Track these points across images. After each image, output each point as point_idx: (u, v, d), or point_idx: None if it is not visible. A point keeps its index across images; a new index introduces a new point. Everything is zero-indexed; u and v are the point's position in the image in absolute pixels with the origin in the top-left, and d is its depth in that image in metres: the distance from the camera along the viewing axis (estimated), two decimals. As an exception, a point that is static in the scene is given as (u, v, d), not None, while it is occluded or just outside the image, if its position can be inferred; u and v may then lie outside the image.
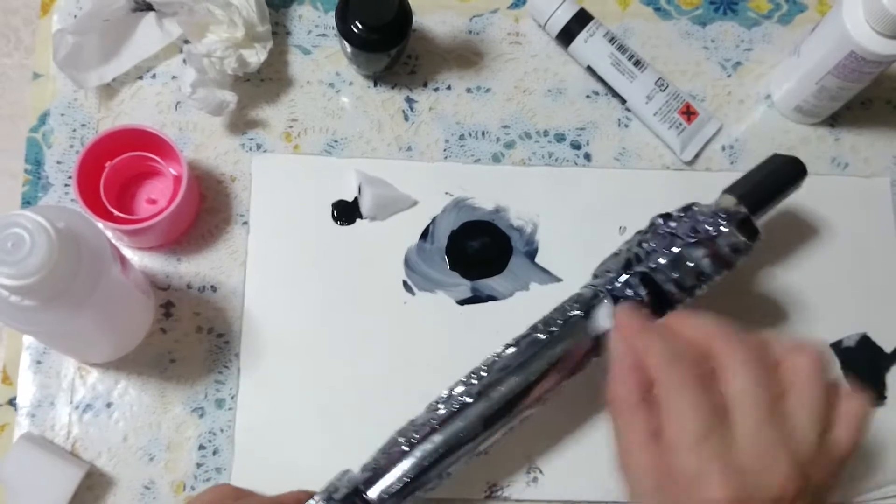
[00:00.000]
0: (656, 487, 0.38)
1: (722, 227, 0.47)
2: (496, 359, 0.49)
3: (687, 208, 0.50)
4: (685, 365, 0.38)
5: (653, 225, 0.50)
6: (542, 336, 0.49)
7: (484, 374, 0.48)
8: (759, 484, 0.36)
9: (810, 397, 0.37)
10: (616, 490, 0.53)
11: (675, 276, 0.47)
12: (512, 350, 0.49)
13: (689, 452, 0.36)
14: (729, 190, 0.52)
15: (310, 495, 0.48)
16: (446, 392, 0.48)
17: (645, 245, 0.49)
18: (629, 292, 0.48)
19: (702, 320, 0.40)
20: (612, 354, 0.42)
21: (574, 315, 0.49)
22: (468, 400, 0.48)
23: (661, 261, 0.48)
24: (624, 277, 0.48)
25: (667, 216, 0.50)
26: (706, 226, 0.48)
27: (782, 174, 0.53)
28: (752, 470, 0.36)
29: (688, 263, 0.47)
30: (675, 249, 0.48)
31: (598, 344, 0.49)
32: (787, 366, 0.38)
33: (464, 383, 0.48)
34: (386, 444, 0.48)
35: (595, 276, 0.51)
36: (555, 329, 0.49)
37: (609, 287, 0.49)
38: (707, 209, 0.49)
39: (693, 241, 0.48)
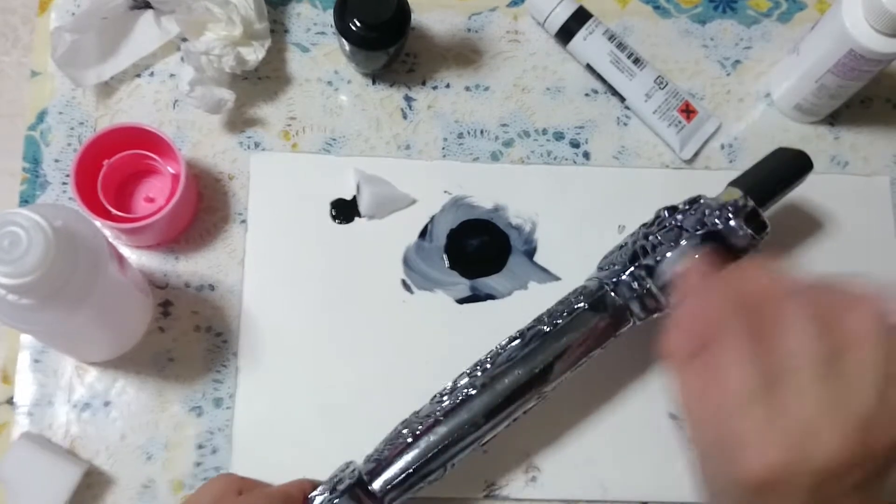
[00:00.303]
0: (713, 441, 0.36)
1: (730, 221, 0.47)
2: (500, 351, 0.49)
3: (693, 201, 0.50)
4: (741, 322, 0.36)
5: (658, 218, 0.50)
6: (546, 328, 0.49)
7: (488, 365, 0.48)
8: (811, 449, 0.33)
9: (871, 356, 0.34)
10: (614, 490, 0.53)
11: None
12: (517, 342, 0.49)
13: (738, 413, 0.34)
14: (734, 183, 0.52)
15: (314, 484, 0.48)
16: (450, 384, 0.49)
17: (651, 238, 0.49)
18: (636, 285, 0.48)
19: (763, 273, 0.38)
20: (673, 303, 0.41)
21: (579, 307, 0.49)
22: (472, 392, 0.48)
23: (669, 254, 0.48)
24: (630, 270, 0.48)
25: (672, 209, 0.49)
26: (714, 219, 0.48)
27: (788, 168, 0.53)
28: (803, 434, 0.33)
29: (695, 257, 0.47)
30: (683, 242, 0.47)
31: (601, 336, 0.49)
32: (847, 320, 0.35)
33: (468, 375, 0.49)
34: (390, 435, 0.48)
35: (600, 269, 0.51)
36: (559, 321, 0.49)
37: (615, 280, 0.49)
38: (714, 202, 0.49)
39: (701, 234, 0.47)
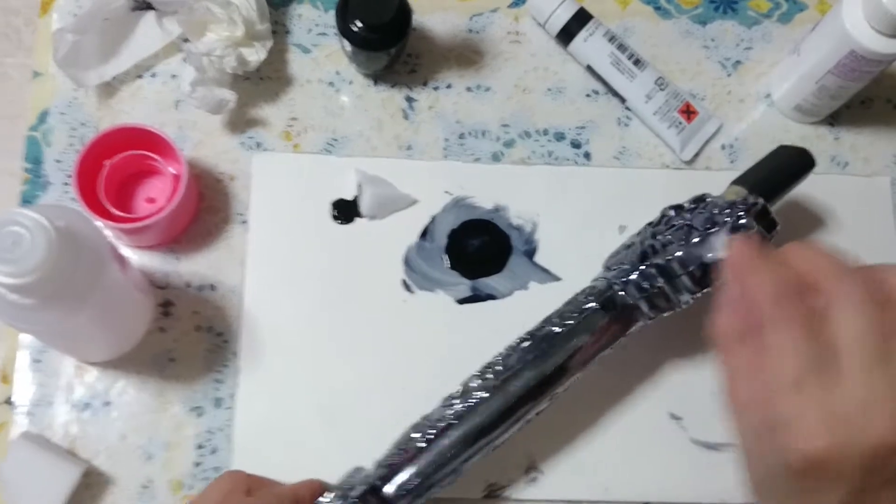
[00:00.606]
0: (759, 425, 0.36)
1: (741, 220, 0.47)
2: (510, 352, 0.49)
3: (699, 199, 0.49)
4: (792, 303, 0.35)
5: (665, 216, 0.50)
6: (557, 329, 0.49)
7: (499, 368, 0.48)
8: (862, 432, 0.33)
9: None
10: (615, 490, 0.53)
11: (692, 268, 0.47)
12: (527, 344, 0.49)
13: (787, 395, 0.34)
14: (738, 181, 0.51)
15: (324, 486, 0.48)
16: (461, 387, 0.49)
17: (660, 237, 0.49)
18: (646, 284, 0.48)
19: (815, 252, 0.37)
20: (721, 285, 0.40)
21: (590, 307, 0.49)
22: (484, 395, 0.48)
23: (679, 253, 0.47)
24: (640, 269, 0.48)
25: (678, 207, 0.49)
26: (724, 217, 0.47)
27: (791, 165, 0.53)
28: (851, 418, 0.33)
29: (707, 255, 0.47)
30: (695, 240, 0.47)
31: (612, 336, 0.49)
32: None
33: (479, 377, 0.48)
34: (400, 439, 0.48)
35: (607, 269, 0.51)
36: (570, 321, 0.49)
37: (624, 279, 0.49)
38: (721, 200, 0.49)
39: (711, 232, 0.47)
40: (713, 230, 0.47)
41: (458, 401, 0.48)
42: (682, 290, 0.48)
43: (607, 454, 0.53)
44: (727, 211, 0.47)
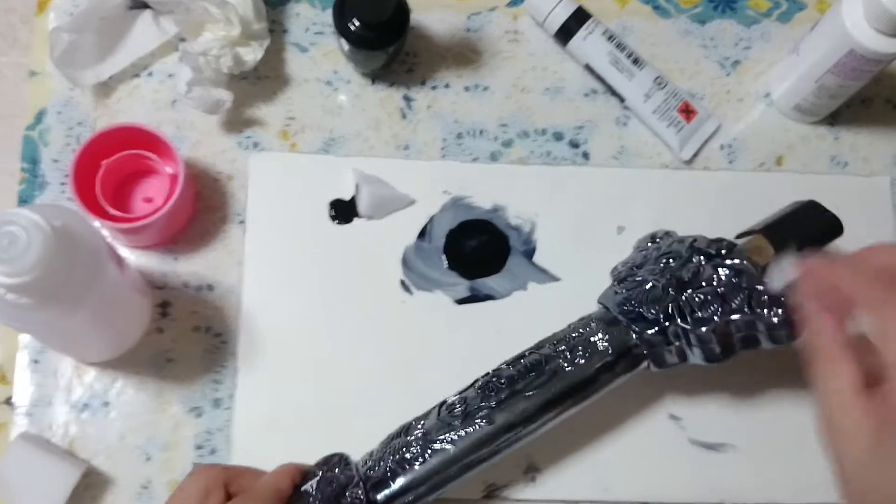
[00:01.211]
0: (875, 442, 0.33)
1: (774, 318, 0.47)
2: (515, 375, 0.48)
3: (724, 248, 0.49)
4: (891, 283, 0.34)
5: (687, 262, 0.49)
6: (566, 366, 0.49)
7: (504, 393, 0.48)
8: None
9: None
10: (614, 490, 0.53)
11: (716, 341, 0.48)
12: (532, 376, 0.48)
13: None
14: (766, 234, 0.50)
15: (301, 470, 0.47)
16: (460, 407, 0.48)
17: (688, 298, 0.48)
18: (677, 343, 0.48)
19: (884, 246, 0.37)
20: (800, 307, 0.39)
21: (607, 360, 0.49)
22: (485, 423, 0.48)
23: (703, 329, 0.48)
24: (671, 328, 0.48)
25: (707, 256, 0.49)
26: (763, 309, 0.47)
27: (820, 233, 0.51)
28: None
29: (735, 333, 0.48)
30: (734, 317, 0.47)
31: (618, 377, 0.49)
32: None
33: (481, 396, 0.48)
34: (394, 446, 0.48)
35: (624, 307, 0.49)
36: (581, 361, 0.49)
37: (650, 330, 0.48)
38: (760, 280, 0.48)
39: (748, 317, 0.47)
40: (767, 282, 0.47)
41: (458, 421, 0.48)
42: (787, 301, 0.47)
43: (606, 454, 0.53)
44: (767, 304, 0.47)
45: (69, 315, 0.42)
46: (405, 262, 0.55)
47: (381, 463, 0.47)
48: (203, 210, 0.55)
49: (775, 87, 0.59)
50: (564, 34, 0.58)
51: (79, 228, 0.42)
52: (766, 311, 0.47)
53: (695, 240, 0.51)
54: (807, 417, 0.53)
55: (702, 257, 0.49)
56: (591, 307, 0.55)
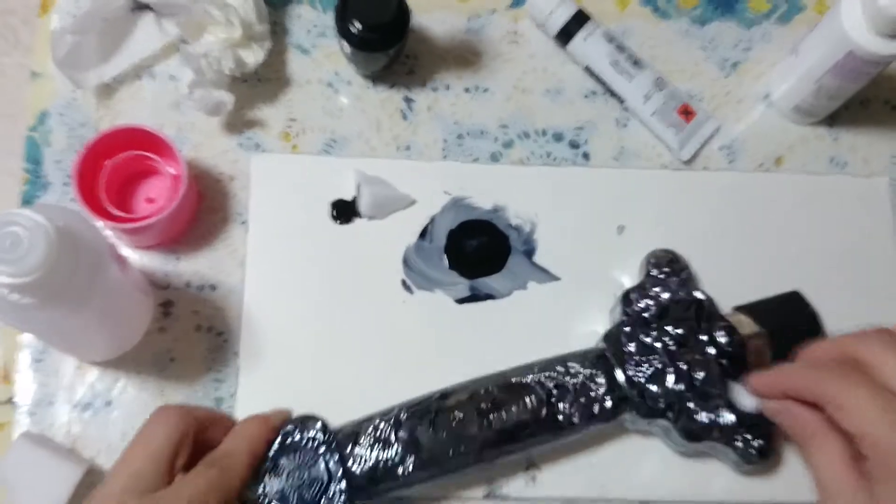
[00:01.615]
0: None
1: (739, 442, 0.50)
2: (513, 409, 0.50)
3: (714, 316, 0.52)
4: (838, 370, 0.40)
5: (686, 329, 0.52)
6: (575, 420, 0.50)
7: (498, 426, 0.49)
8: None
9: None
10: (613, 489, 0.53)
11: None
12: (527, 422, 0.50)
13: (886, 427, 0.37)
14: (752, 315, 0.53)
15: (275, 428, 0.48)
16: (455, 419, 0.49)
17: (687, 361, 0.51)
18: (675, 408, 0.50)
19: (834, 339, 0.43)
20: (772, 413, 0.45)
21: (607, 406, 0.50)
22: (469, 461, 0.50)
23: (703, 419, 0.50)
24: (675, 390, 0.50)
25: (697, 327, 0.52)
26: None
27: (801, 330, 0.53)
28: None
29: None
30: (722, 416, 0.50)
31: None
32: None
33: (472, 415, 0.49)
34: (385, 449, 0.49)
35: (627, 365, 0.51)
36: (576, 419, 0.50)
37: (644, 393, 0.50)
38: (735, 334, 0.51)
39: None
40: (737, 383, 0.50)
41: (457, 443, 0.49)
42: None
43: (606, 453, 0.53)
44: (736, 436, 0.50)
45: (72, 315, 0.42)
46: (406, 262, 0.56)
47: (367, 461, 0.49)
48: (205, 210, 0.56)
49: (775, 88, 0.60)
50: (565, 36, 0.59)
51: (81, 229, 0.42)
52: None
53: (702, 310, 0.53)
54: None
55: (706, 340, 0.52)
56: (592, 307, 0.55)
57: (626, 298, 0.53)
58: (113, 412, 0.52)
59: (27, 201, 0.55)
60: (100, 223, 0.51)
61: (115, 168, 0.53)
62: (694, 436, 0.50)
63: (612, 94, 0.59)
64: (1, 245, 0.38)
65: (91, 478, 0.51)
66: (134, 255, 0.55)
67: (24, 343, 0.53)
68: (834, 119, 0.60)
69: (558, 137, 0.59)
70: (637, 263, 0.56)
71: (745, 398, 0.49)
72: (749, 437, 0.50)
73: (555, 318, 0.55)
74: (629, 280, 0.56)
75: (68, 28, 0.54)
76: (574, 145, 0.59)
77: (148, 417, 0.45)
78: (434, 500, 0.52)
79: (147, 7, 0.57)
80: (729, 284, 0.56)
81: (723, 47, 0.61)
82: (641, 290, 0.53)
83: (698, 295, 0.53)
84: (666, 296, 0.53)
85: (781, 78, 0.59)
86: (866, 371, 0.40)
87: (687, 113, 0.58)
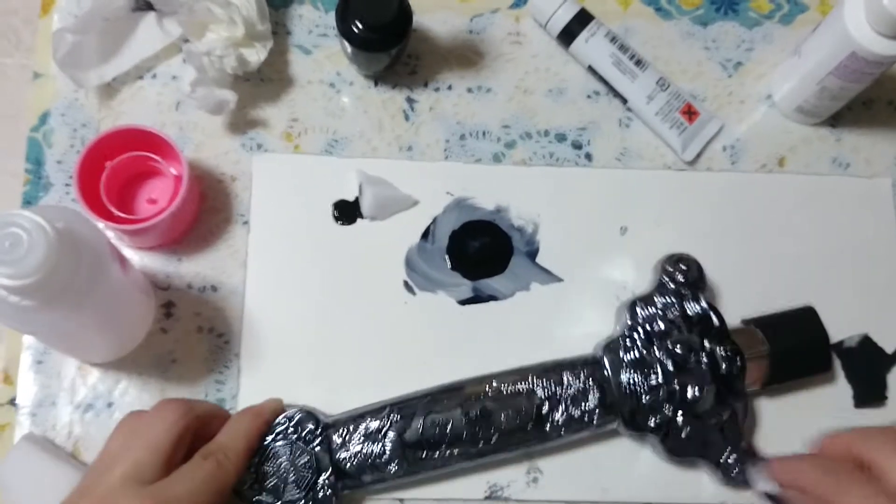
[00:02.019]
0: None
1: (723, 464, 0.51)
2: (509, 422, 0.50)
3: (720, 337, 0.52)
4: (842, 472, 0.43)
5: (684, 348, 0.51)
6: (562, 431, 0.51)
7: (491, 429, 0.50)
8: None
9: None
10: (614, 491, 0.53)
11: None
12: (529, 432, 0.50)
13: None
14: (766, 336, 0.53)
15: (268, 422, 0.49)
16: (451, 422, 0.50)
17: (685, 379, 0.51)
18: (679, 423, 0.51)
19: (844, 436, 0.46)
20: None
21: (596, 418, 0.51)
22: (467, 464, 0.50)
23: (690, 440, 0.51)
24: (671, 409, 0.51)
25: (700, 347, 0.51)
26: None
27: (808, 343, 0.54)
28: None
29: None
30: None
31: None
32: None
33: (465, 427, 0.50)
34: (376, 449, 0.50)
35: (622, 378, 0.51)
36: (582, 432, 0.51)
37: (645, 408, 0.51)
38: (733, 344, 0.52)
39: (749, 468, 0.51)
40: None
41: (444, 446, 0.50)
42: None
43: (607, 455, 0.53)
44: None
45: (73, 316, 0.42)
46: (408, 263, 0.56)
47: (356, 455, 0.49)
48: (207, 211, 0.56)
49: (777, 88, 0.60)
50: (567, 36, 0.58)
51: (82, 230, 0.42)
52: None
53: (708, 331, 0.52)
54: (806, 418, 0.53)
55: (692, 354, 0.51)
56: (595, 308, 0.55)
57: (632, 309, 0.52)
58: (114, 413, 0.52)
59: (28, 202, 0.55)
60: (101, 224, 0.50)
61: (116, 169, 0.53)
62: (679, 453, 0.51)
63: (615, 94, 0.59)
64: (1, 246, 0.38)
65: (92, 479, 0.51)
66: (135, 256, 0.55)
67: (25, 344, 0.53)
68: (837, 120, 0.60)
69: (561, 138, 0.59)
70: (639, 264, 0.56)
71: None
72: (732, 460, 0.51)
73: (557, 319, 0.55)
74: (632, 281, 0.56)
75: (69, 28, 0.54)
76: (577, 146, 0.59)
77: (150, 409, 0.46)
78: (434, 501, 0.52)
79: (148, 7, 0.57)
80: (732, 285, 0.55)
81: (725, 48, 0.61)
82: (649, 300, 0.52)
83: (707, 310, 0.52)
84: (674, 311, 0.52)
85: (784, 78, 0.59)
86: (873, 472, 0.43)
87: (690, 113, 0.58)
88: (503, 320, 0.55)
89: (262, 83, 0.58)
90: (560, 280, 0.56)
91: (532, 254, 0.56)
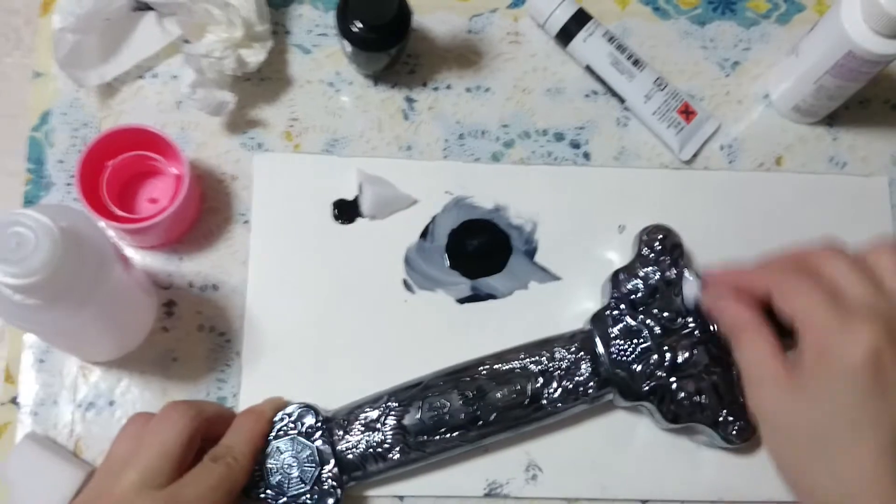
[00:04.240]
0: (793, 392, 0.42)
1: (720, 424, 0.52)
2: (501, 400, 0.51)
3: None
4: (795, 266, 0.44)
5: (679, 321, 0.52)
6: (559, 404, 0.51)
7: (479, 416, 0.50)
8: None
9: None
10: (614, 489, 0.53)
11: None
12: (519, 411, 0.51)
13: (822, 311, 0.41)
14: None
15: (265, 416, 0.50)
16: (446, 405, 0.50)
17: (674, 348, 0.52)
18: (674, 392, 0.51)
19: (790, 252, 0.47)
20: (709, 304, 0.49)
21: (591, 389, 0.51)
22: (459, 448, 0.51)
23: (686, 402, 0.51)
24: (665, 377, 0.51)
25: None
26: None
27: None
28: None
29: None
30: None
31: None
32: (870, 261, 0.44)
33: (461, 419, 0.50)
34: (373, 436, 0.50)
35: (612, 347, 0.51)
36: (576, 403, 0.51)
37: (637, 379, 0.51)
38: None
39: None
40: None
41: (444, 429, 0.50)
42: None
43: (607, 453, 0.54)
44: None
45: (75, 315, 0.43)
46: (407, 262, 0.56)
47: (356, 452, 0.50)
48: (208, 210, 0.56)
49: (774, 88, 0.60)
50: (565, 36, 0.59)
51: (85, 229, 0.42)
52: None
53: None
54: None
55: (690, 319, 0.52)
56: (593, 307, 0.55)
57: (615, 279, 0.53)
58: (116, 412, 0.53)
59: (30, 201, 0.55)
60: (102, 223, 0.51)
61: (117, 168, 0.53)
62: (676, 418, 0.51)
63: (613, 93, 0.59)
64: (5, 245, 0.38)
65: (94, 477, 0.51)
66: (136, 256, 0.55)
67: (27, 343, 0.53)
68: (833, 119, 0.60)
69: (559, 137, 0.59)
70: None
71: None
72: (731, 419, 0.51)
73: (556, 317, 0.55)
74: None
75: (70, 28, 0.54)
76: (575, 145, 0.59)
77: (158, 413, 0.46)
78: (433, 498, 0.52)
79: (148, 7, 0.57)
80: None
81: (723, 47, 0.61)
82: (630, 270, 0.53)
83: (689, 276, 0.53)
84: (655, 277, 0.53)
85: (781, 78, 0.59)
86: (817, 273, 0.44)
87: (687, 113, 0.59)
88: (502, 318, 0.55)
89: (262, 83, 0.58)
90: (558, 278, 0.56)
91: (530, 252, 0.57)
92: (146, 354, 0.53)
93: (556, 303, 0.56)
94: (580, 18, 0.58)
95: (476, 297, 0.56)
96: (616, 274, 0.53)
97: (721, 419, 0.51)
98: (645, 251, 0.54)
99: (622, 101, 0.59)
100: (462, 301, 0.56)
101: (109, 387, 0.53)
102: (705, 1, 0.62)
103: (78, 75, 0.56)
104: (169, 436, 0.45)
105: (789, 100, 0.59)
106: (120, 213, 0.52)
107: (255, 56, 0.56)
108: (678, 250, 0.54)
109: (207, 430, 0.47)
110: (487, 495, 0.53)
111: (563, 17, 0.58)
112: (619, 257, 0.57)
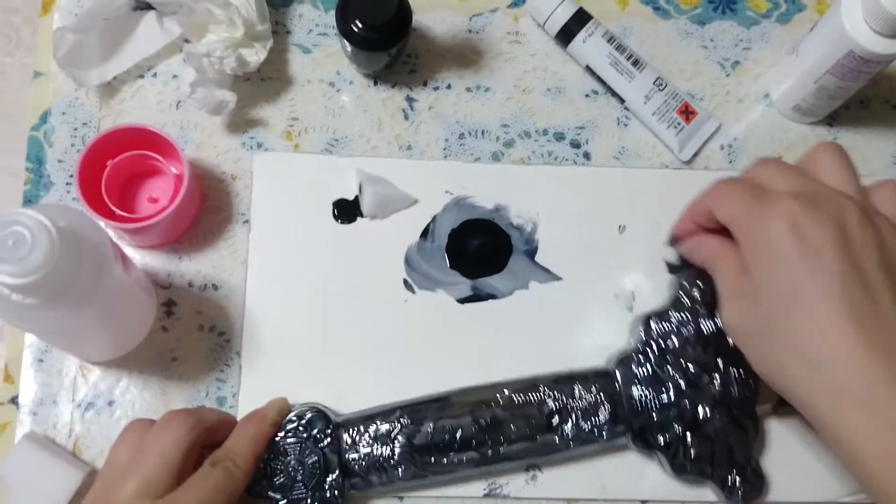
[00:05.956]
0: (748, 292, 0.44)
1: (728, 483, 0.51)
2: (521, 433, 0.50)
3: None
4: (731, 180, 0.47)
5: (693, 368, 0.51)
6: (572, 443, 0.51)
7: (501, 447, 0.50)
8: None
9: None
10: (613, 489, 0.53)
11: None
12: (537, 444, 0.51)
13: (749, 205, 0.44)
14: None
15: (275, 425, 0.50)
16: (458, 428, 0.50)
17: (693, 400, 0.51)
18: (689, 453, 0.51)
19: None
20: (685, 253, 0.51)
21: (605, 433, 0.51)
22: (472, 470, 0.51)
23: (698, 459, 0.51)
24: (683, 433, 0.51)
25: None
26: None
27: None
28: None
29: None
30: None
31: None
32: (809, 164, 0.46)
33: (476, 431, 0.50)
34: (384, 452, 0.50)
35: (634, 394, 0.51)
36: (594, 445, 0.51)
37: (655, 430, 0.51)
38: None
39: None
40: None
41: (453, 453, 0.50)
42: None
43: (606, 453, 0.54)
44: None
45: (74, 315, 0.43)
46: (408, 262, 0.56)
47: (363, 463, 0.50)
48: (207, 210, 0.56)
49: (775, 87, 0.60)
50: (565, 36, 0.59)
51: (84, 228, 0.42)
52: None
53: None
54: (816, 440, 0.53)
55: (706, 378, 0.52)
56: (593, 307, 0.55)
57: (647, 325, 0.52)
58: (115, 412, 0.53)
59: (29, 201, 0.55)
60: (102, 223, 0.51)
61: (117, 167, 0.53)
62: (684, 471, 0.51)
63: (613, 93, 0.59)
64: (3, 245, 0.38)
65: (92, 480, 0.51)
66: (136, 255, 0.55)
67: (26, 343, 0.53)
68: (834, 118, 0.60)
69: (559, 137, 0.59)
70: (638, 262, 0.56)
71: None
72: (739, 480, 0.51)
73: (556, 317, 0.55)
74: (631, 279, 0.56)
75: (70, 27, 0.54)
76: (575, 145, 0.59)
77: (158, 421, 0.46)
78: (434, 499, 0.52)
79: (149, 6, 0.57)
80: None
81: (723, 47, 0.61)
82: (664, 317, 0.52)
83: (723, 329, 0.51)
84: (688, 329, 0.51)
85: (781, 77, 0.59)
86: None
87: (687, 113, 0.58)
88: (502, 319, 0.55)
89: (262, 82, 0.58)
90: (559, 278, 0.56)
91: (531, 252, 0.57)
92: (146, 354, 0.53)
93: (556, 303, 0.56)
94: (580, 18, 0.58)
95: (476, 297, 0.56)
96: (648, 318, 0.52)
97: (730, 483, 0.51)
98: (681, 296, 0.52)
99: (622, 101, 0.59)
100: (462, 301, 0.55)
101: (109, 387, 0.53)
102: (705, 1, 0.62)
103: (78, 75, 0.55)
104: (168, 445, 0.44)
105: (790, 99, 0.59)
106: (120, 212, 0.51)
107: (256, 55, 0.56)
108: (717, 299, 0.52)
109: (209, 437, 0.47)
110: (487, 495, 0.53)
111: (563, 16, 0.58)
112: (619, 257, 0.56)
